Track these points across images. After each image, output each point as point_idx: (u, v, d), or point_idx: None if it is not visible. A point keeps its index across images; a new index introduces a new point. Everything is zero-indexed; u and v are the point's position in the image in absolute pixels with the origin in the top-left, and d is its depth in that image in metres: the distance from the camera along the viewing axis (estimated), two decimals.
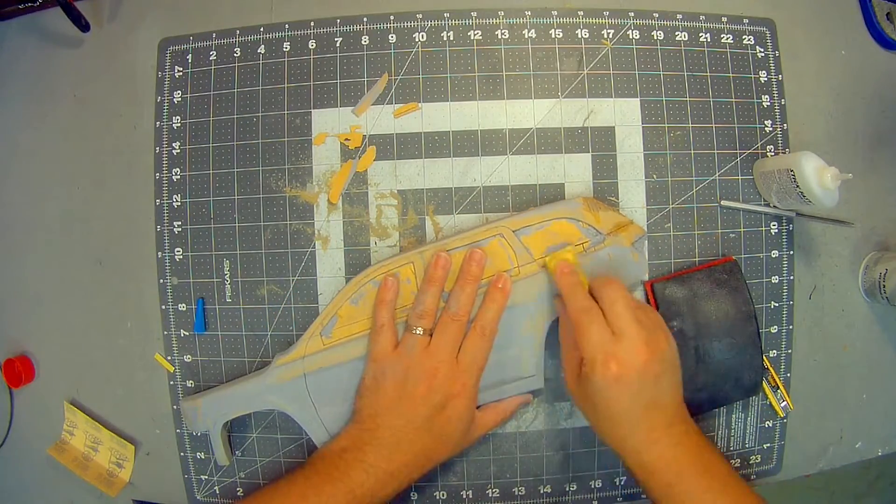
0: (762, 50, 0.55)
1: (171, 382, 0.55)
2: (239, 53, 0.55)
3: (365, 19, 0.54)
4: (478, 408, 0.48)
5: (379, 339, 0.47)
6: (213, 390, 0.52)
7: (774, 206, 0.54)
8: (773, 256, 0.55)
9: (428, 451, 0.45)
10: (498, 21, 0.54)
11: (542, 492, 0.54)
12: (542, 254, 0.50)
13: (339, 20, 0.54)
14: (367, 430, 0.45)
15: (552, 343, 0.51)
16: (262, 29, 0.54)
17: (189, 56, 0.55)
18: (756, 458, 0.56)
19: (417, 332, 0.46)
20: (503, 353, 0.49)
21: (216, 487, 0.55)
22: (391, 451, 0.44)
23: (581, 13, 0.54)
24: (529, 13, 0.54)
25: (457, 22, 0.54)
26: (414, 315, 0.47)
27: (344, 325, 0.50)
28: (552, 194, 0.53)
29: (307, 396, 0.50)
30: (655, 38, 0.54)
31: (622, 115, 0.54)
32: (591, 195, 0.53)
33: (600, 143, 0.54)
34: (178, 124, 0.55)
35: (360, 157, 0.53)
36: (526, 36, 0.54)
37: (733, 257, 0.53)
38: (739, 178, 0.54)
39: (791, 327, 0.55)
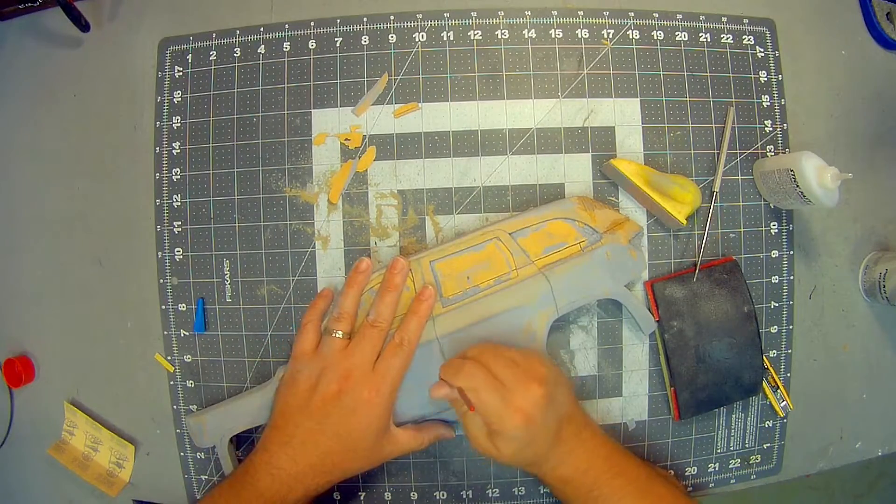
0: (762, 50, 0.55)
1: (171, 382, 0.55)
2: (239, 53, 0.55)
3: (365, 19, 0.54)
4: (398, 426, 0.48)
5: (300, 339, 0.48)
6: (218, 406, 0.52)
7: None
8: (773, 256, 0.55)
9: (335, 457, 0.45)
10: (498, 21, 0.54)
11: (542, 492, 0.54)
12: (540, 255, 0.50)
13: (339, 20, 0.54)
14: (277, 429, 0.46)
15: (551, 344, 0.51)
16: (262, 29, 0.54)
17: (189, 56, 0.55)
18: (756, 458, 0.56)
19: (336, 335, 0.46)
20: None
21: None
22: (296, 452, 0.44)
23: (581, 13, 0.54)
24: (529, 13, 0.54)
25: (457, 22, 0.54)
26: (332, 318, 0.48)
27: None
28: (552, 194, 0.53)
29: None
30: (655, 38, 0.54)
31: (622, 115, 0.54)
32: (588, 195, 0.53)
33: (600, 143, 0.54)
34: (178, 124, 0.55)
35: (360, 157, 0.53)
36: (526, 36, 0.54)
37: (733, 257, 0.53)
38: (739, 178, 0.54)
39: (791, 327, 0.55)
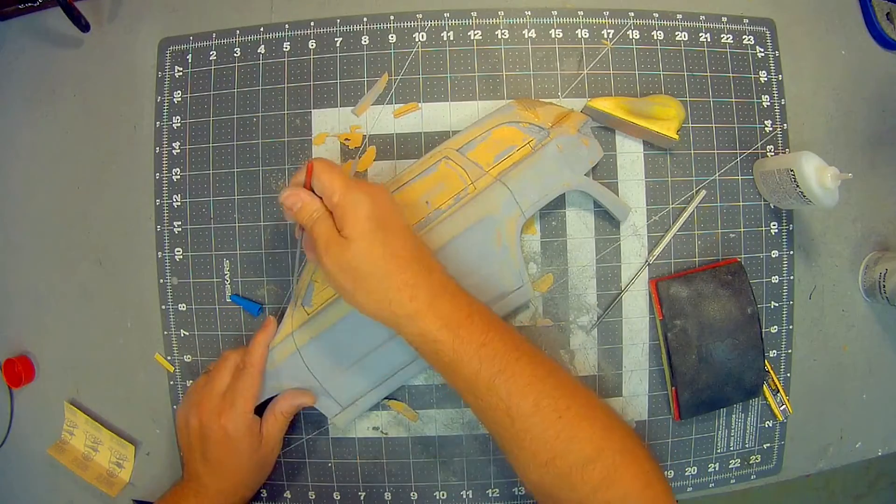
0: (762, 50, 0.55)
1: (171, 382, 0.55)
2: (239, 53, 0.55)
3: (365, 19, 0.54)
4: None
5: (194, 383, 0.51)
6: None
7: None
8: (773, 256, 0.55)
9: (228, 482, 0.49)
10: (498, 21, 0.54)
11: None
12: (492, 163, 0.49)
13: (339, 20, 0.54)
14: (184, 468, 0.51)
15: (552, 344, 0.51)
16: (262, 29, 0.54)
17: (189, 56, 0.55)
18: (756, 458, 0.56)
19: (203, 372, 0.51)
20: (480, 274, 0.48)
21: None
22: (198, 485, 0.49)
23: (581, 13, 0.54)
24: (529, 13, 0.54)
25: (457, 22, 0.54)
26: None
27: (322, 289, 0.50)
28: None
29: (307, 371, 0.49)
30: (655, 38, 0.54)
31: None
32: (526, 97, 0.53)
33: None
34: (178, 124, 0.55)
35: (360, 157, 0.53)
36: (526, 36, 0.54)
37: (738, 258, 0.53)
38: (739, 178, 0.54)
39: (791, 327, 0.55)
